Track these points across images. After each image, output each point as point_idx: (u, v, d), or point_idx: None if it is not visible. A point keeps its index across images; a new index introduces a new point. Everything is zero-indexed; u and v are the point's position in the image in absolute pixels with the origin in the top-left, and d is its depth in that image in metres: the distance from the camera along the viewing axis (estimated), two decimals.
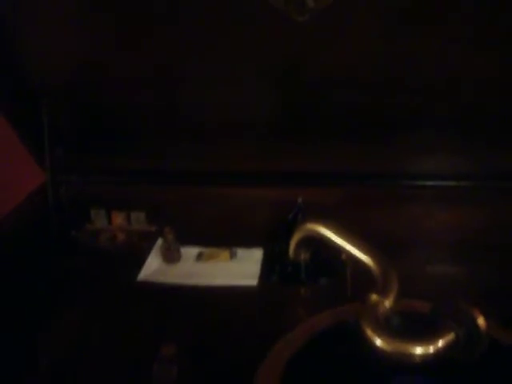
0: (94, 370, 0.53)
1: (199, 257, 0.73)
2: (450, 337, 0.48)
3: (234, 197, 0.78)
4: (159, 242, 0.74)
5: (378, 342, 0.47)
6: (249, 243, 0.76)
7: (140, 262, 0.71)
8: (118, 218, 0.77)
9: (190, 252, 0.74)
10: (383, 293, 0.53)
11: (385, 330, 0.48)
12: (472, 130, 0.71)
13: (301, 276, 0.70)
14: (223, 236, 0.76)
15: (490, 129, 0.72)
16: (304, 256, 0.70)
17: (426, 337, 0.48)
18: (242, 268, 0.71)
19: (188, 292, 0.66)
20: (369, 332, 0.48)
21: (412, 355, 0.47)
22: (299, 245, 0.69)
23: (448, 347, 0.47)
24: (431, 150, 0.76)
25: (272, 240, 0.75)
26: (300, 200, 0.70)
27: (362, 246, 0.61)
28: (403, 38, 0.60)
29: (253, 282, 0.68)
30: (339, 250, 0.62)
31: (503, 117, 0.70)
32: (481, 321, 0.48)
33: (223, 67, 0.63)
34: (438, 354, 0.47)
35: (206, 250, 0.74)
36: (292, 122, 0.73)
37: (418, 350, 0.47)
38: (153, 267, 0.70)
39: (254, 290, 0.68)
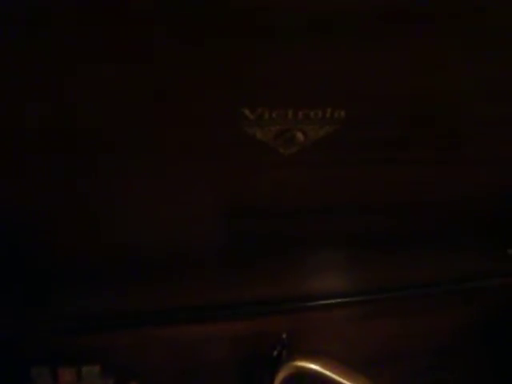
0: None
1: None
2: None
3: (195, 334, 0.68)
4: None
5: None
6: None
7: None
8: (66, 376, 0.64)
9: None
10: None
11: None
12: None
13: None
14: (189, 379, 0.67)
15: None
16: None
17: None
18: None
19: None
20: None
21: None
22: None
23: None
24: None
25: (249, 380, 0.67)
26: (284, 336, 0.62)
27: (361, 380, 0.55)
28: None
29: None
30: None
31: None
32: None
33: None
34: None
35: None
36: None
37: None
38: None
39: None
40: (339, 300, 0.71)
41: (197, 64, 0.41)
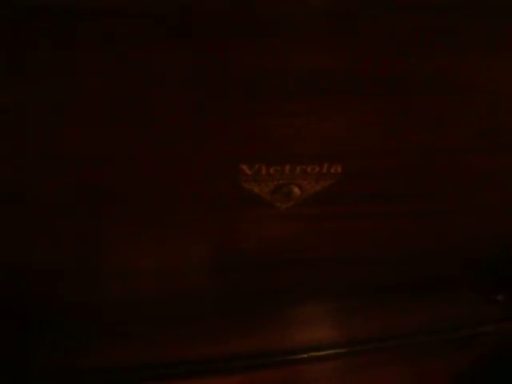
0: None
1: None
2: None
3: None
4: None
5: None
6: None
7: None
8: None
9: None
10: None
11: None
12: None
13: None
14: None
15: None
16: None
17: None
18: None
19: None
20: None
21: None
22: None
23: None
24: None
25: None
26: None
27: None
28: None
29: None
30: None
31: None
32: None
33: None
34: None
35: None
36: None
37: None
38: None
39: None
40: (332, 351, 0.70)
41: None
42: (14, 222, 0.47)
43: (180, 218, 0.49)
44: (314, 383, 0.69)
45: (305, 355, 0.69)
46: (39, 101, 0.37)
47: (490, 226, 0.64)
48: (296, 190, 0.49)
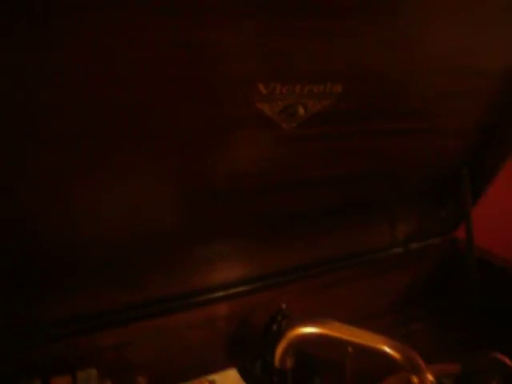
0: None
1: None
2: None
3: (171, 327, 0.67)
4: None
5: None
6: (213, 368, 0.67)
7: None
8: None
9: None
10: (419, 371, 0.52)
11: None
12: None
13: (286, 382, 0.63)
14: (184, 369, 0.65)
15: None
16: (290, 363, 0.65)
17: None
18: None
19: None
20: None
21: None
22: (286, 352, 0.64)
23: None
24: None
25: (243, 355, 0.68)
26: (284, 306, 0.64)
27: (369, 334, 0.59)
28: None
29: None
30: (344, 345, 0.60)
31: None
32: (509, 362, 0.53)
33: None
34: None
35: None
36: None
37: None
38: None
39: None
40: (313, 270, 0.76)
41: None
42: None
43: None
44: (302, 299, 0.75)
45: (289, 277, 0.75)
46: None
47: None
48: (301, 110, 0.52)
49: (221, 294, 0.69)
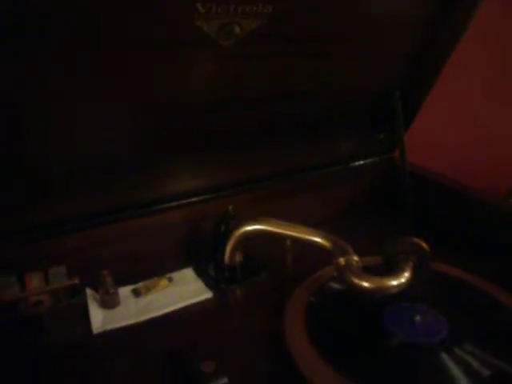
0: None
1: (136, 293, 0.70)
2: (411, 265, 0.62)
3: (132, 231, 0.75)
4: (88, 291, 0.69)
5: (364, 284, 0.59)
6: (171, 268, 0.76)
7: (82, 320, 0.65)
8: (34, 280, 0.67)
9: (122, 292, 0.70)
10: (346, 254, 0.62)
11: (364, 276, 0.60)
12: None
13: (237, 277, 0.73)
14: (145, 268, 0.74)
15: None
16: (238, 259, 0.74)
17: (394, 271, 0.61)
18: (189, 287, 0.71)
19: (154, 325, 0.64)
20: (355, 280, 0.59)
21: (390, 287, 0.59)
22: (234, 249, 0.73)
23: (412, 273, 0.61)
24: None
25: (197, 257, 0.77)
26: (231, 207, 0.73)
27: (304, 228, 0.68)
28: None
29: (208, 294, 0.70)
30: (281, 238, 0.69)
31: None
32: (424, 244, 0.63)
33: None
34: (407, 281, 0.60)
35: (139, 285, 0.71)
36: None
37: (394, 282, 0.59)
38: (101, 317, 0.65)
39: (213, 300, 0.69)
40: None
41: None
42: None
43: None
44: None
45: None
46: None
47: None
48: (237, 29, 0.58)
49: (175, 203, 0.78)
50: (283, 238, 0.69)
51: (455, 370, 0.53)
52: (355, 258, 0.63)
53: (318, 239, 0.67)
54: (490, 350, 0.56)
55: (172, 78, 0.62)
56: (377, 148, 0.97)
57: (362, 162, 0.96)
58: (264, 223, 0.69)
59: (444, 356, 0.54)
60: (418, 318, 0.58)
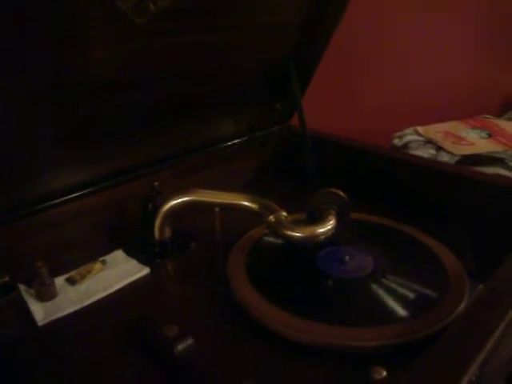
0: None
1: (71, 281, 0.69)
2: (334, 213, 0.69)
3: (61, 215, 0.74)
4: (21, 287, 0.67)
5: (296, 235, 0.65)
6: (101, 253, 0.76)
7: (22, 316, 0.63)
8: None
9: (56, 283, 0.68)
10: (274, 211, 0.68)
11: (295, 227, 0.66)
12: None
13: (168, 252, 0.76)
14: (69, 259, 0.73)
15: None
16: (168, 233, 0.76)
17: (321, 221, 0.68)
18: (124, 267, 0.72)
19: (100, 307, 0.65)
20: (288, 232, 0.66)
21: (319, 234, 0.66)
22: (163, 224, 0.75)
23: (336, 220, 0.68)
24: None
25: (126, 237, 0.78)
26: (156, 184, 0.74)
27: (230, 195, 0.71)
28: None
29: (145, 270, 0.71)
30: (210, 206, 0.72)
31: None
32: (341, 193, 0.71)
33: None
34: (333, 227, 0.67)
35: (72, 274, 0.70)
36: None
37: (322, 229, 0.66)
38: (42, 309, 0.64)
39: (150, 275, 0.71)
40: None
41: None
42: None
43: None
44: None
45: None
46: None
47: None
48: (151, 6, 0.60)
49: (96, 187, 0.77)
50: (211, 207, 0.73)
51: (385, 296, 0.61)
52: (284, 213, 0.69)
53: (245, 203, 0.71)
54: (411, 277, 0.65)
55: (87, 55, 0.62)
56: (275, 117, 1.04)
57: (262, 133, 1.03)
58: (190, 194, 0.72)
59: (373, 286, 0.63)
60: (347, 258, 0.66)
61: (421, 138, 1.50)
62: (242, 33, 0.79)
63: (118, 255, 0.76)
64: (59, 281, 0.70)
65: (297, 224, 0.67)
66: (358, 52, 1.52)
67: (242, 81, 0.91)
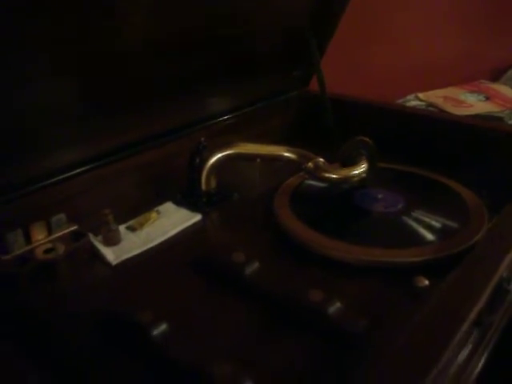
0: None
1: (131, 229, 0.77)
2: (364, 158, 0.78)
3: (112, 177, 0.81)
4: (90, 235, 0.74)
5: (334, 176, 0.75)
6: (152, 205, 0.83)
7: (93, 260, 0.71)
8: (38, 231, 0.70)
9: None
10: (312, 158, 0.76)
11: (332, 170, 0.75)
12: None
13: (213, 201, 0.83)
14: (127, 211, 0.80)
15: None
16: (213, 184, 0.84)
17: (354, 165, 0.77)
18: (177, 216, 0.80)
19: (164, 248, 0.72)
20: (326, 175, 0.75)
21: (353, 175, 0.76)
22: (209, 176, 0.82)
23: (367, 164, 0.77)
24: None
25: (173, 191, 0.86)
26: (203, 139, 0.81)
27: (270, 147, 0.79)
28: None
29: (197, 217, 0.79)
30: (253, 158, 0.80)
31: None
32: (368, 139, 0.79)
33: None
34: (365, 170, 0.77)
35: (131, 223, 0.78)
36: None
37: (356, 171, 0.76)
38: (111, 252, 0.71)
39: (202, 222, 0.79)
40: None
41: None
42: None
43: None
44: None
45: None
46: None
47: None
48: None
49: (148, 144, 0.85)
50: (254, 159, 0.81)
51: (415, 226, 0.71)
52: (321, 159, 0.77)
53: (285, 153, 0.79)
54: (437, 212, 0.75)
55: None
56: (294, 83, 1.12)
57: (283, 97, 1.11)
58: (234, 148, 0.80)
59: (404, 217, 0.72)
60: (380, 195, 0.75)
61: (422, 103, 1.60)
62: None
63: (169, 206, 0.84)
64: (120, 229, 0.77)
65: (333, 167, 0.76)
66: (364, 23, 1.58)
67: (265, 48, 0.98)
